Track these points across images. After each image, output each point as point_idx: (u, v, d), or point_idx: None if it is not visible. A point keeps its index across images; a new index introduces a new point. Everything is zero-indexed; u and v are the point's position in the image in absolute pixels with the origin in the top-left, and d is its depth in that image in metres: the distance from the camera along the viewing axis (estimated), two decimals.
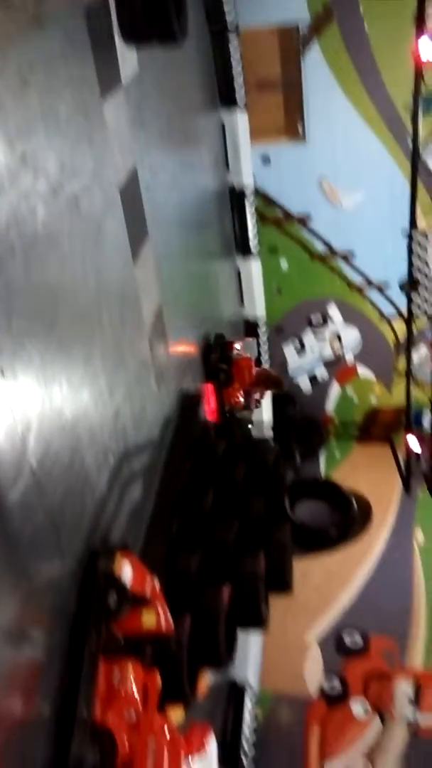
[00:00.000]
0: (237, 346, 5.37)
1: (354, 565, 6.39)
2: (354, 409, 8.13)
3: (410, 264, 5.53)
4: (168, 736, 2.67)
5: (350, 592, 6.29)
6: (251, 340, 6.33)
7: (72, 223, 2.89)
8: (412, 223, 5.56)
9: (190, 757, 2.88)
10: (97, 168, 3.18)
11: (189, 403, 4.43)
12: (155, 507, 3.76)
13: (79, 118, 3.01)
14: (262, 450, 4.54)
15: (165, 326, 4.30)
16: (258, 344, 7.04)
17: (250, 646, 5.45)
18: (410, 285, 5.36)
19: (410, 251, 5.49)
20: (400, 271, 6.89)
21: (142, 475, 3.67)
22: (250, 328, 7.50)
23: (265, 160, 7.35)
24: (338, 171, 7.39)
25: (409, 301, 5.68)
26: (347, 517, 4.06)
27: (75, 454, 2.86)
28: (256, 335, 7.47)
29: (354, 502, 4.16)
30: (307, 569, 5.93)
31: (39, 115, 2.62)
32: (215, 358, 4.95)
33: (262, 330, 7.56)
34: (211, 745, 3.19)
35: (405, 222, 5.76)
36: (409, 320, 5.87)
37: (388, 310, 8.14)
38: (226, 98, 6.18)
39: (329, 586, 6.24)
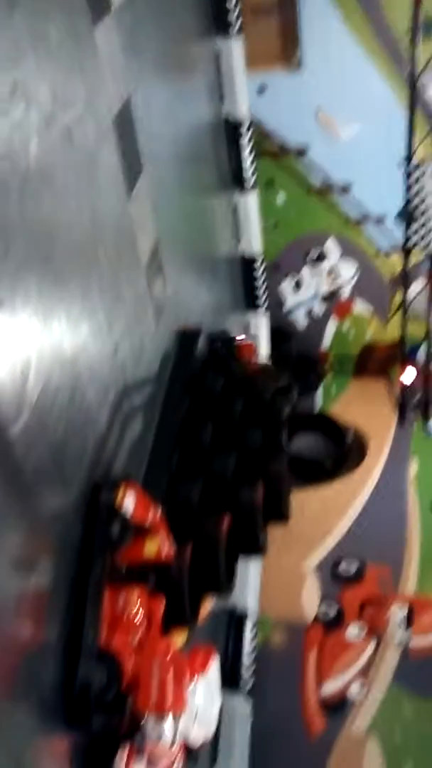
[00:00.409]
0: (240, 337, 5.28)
1: (350, 496, 6.53)
2: (350, 345, 8.15)
3: (407, 196, 5.46)
4: (172, 658, 2.79)
5: (346, 522, 6.45)
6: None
7: (66, 156, 2.84)
8: (410, 153, 5.47)
9: (193, 677, 3.02)
10: (89, 98, 3.10)
11: (187, 340, 4.44)
12: (155, 441, 3.82)
13: (70, 45, 2.92)
14: (260, 385, 4.58)
15: (162, 262, 4.27)
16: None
17: (250, 575, 5.62)
18: (407, 217, 5.31)
19: (407, 182, 5.42)
20: (398, 204, 6.81)
21: (142, 410, 3.72)
22: (246, 266, 7.44)
23: (261, 90, 7.16)
24: (335, 101, 7.21)
25: (406, 233, 5.64)
26: (343, 449, 4.13)
27: (75, 390, 2.89)
28: (252, 276, 7.42)
29: (349, 434, 4.22)
30: (303, 500, 6.03)
31: (28, 39, 2.54)
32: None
33: (259, 267, 7.51)
34: (214, 667, 3.34)
35: (403, 153, 5.67)
36: (405, 254, 5.84)
37: (385, 244, 8.07)
38: (221, 24, 5.97)
39: (325, 516, 6.39)
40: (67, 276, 2.88)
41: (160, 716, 2.73)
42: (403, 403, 5.91)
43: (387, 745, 5.13)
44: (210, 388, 4.31)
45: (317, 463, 4.16)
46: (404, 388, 5.89)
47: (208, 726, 3.23)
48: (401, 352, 5.92)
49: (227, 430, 4.10)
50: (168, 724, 2.76)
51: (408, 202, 5.77)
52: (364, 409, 7.35)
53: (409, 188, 5.53)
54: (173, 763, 2.92)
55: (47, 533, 2.64)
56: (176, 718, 2.83)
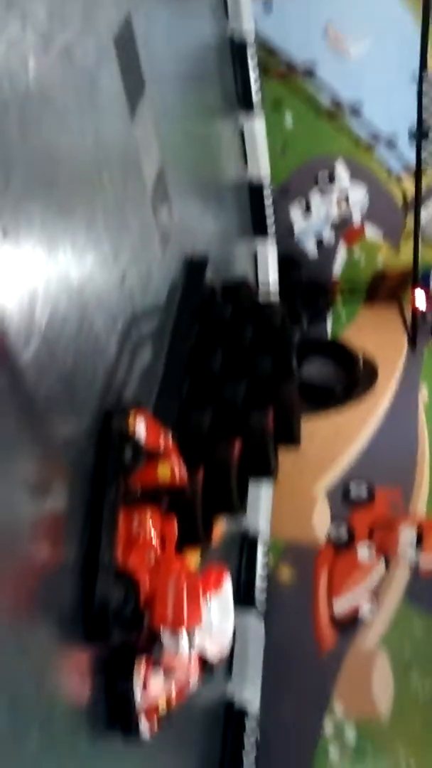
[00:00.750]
0: None
1: (360, 422, 6.57)
2: (361, 272, 8.04)
3: (420, 111, 5.28)
4: (186, 576, 2.89)
5: (357, 446, 6.51)
6: None
7: (65, 77, 2.77)
8: (423, 64, 5.25)
9: (207, 594, 3.12)
10: (88, 14, 2.99)
11: (195, 268, 4.40)
12: (165, 369, 3.84)
13: None
14: (269, 312, 4.56)
15: (167, 189, 4.20)
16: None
17: (261, 498, 5.73)
18: (419, 135, 5.15)
19: (420, 96, 5.22)
20: (410, 124, 6.60)
21: (151, 339, 3.73)
22: (253, 192, 7.30)
23: (267, 5, 6.86)
24: (345, 15, 6.89)
25: (419, 152, 5.48)
26: (353, 375, 4.13)
27: (83, 318, 2.89)
28: (261, 202, 7.27)
29: (360, 360, 4.22)
30: (314, 427, 6.10)
31: None
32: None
33: (267, 192, 7.36)
34: (227, 585, 3.44)
35: (415, 68, 5.45)
36: (417, 174, 5.69)
37: (396, 166, 7.86)
38: None
39: (336, 441, 6.45)
40: (71, 204, 2.84)
41: (176, 631, 2.84)
42: (414, 328, 5.86)
43: (396, 660, 5.32)
44: (219, 316, 4.30)
45: (327, 389, 4.17)
46: (416, 313, 5.82)
47: (223, 641, 3.35)
48: (413, 278, 5.83)
49: (237, 357, 4.11)
50: (184, 638, 2.87)
51: (421, 118, 5.56)
52: (374, 336, 7.31)
53: (422, 104, 5.31)
54: (189, 675, 3.05)
55: (61, 459, 2.69)
56: (191, 633, 2.95)
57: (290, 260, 7.82)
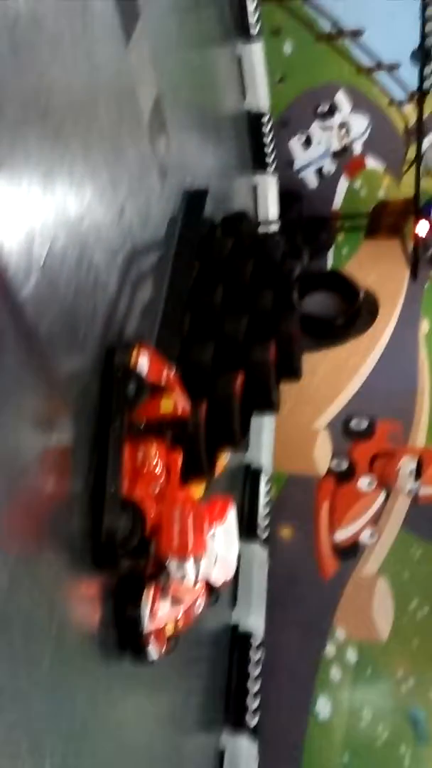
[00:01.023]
0: None
1: (361, 356, 6.60)
2: (362, 203, 7.92)
3: (423, 34, 5.10)
4: (191, 506, 2.95)
5: (358, 381, 6.56)
6: None
7: (57, 2, 2.67)
8: None
9: (212, 523, 3.20)
10: None
11: (194, 201, 4.34)
12: (166, 305, 3.83)
13: None
14: (270, 246, 4.52)
15: (164, 119, 4.10)
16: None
17: (264, 432, 5.80)
18: (422, 56, 4.98)
19: (424, 16, 5.03)
20: (413, 49, 6.40)
21: (151, 274, 3.71)
22: (253, 122, 7.12)
23: None
24: None
25: (422, 77, 5.32)
26: (354, 307, 4.12)
27: (83, 253, 2.87)
28: (260, 133, 7.10)
29: (361, 292, 4.20)
30: (315, 362, 6.13)
31: None
32: None
33: (266, 123, 7.19)
34: (231, 514, 3.52)
35: None
36: (420, 99, 5.54)
37: (398, 94, 7.66)
38: None
39: (337, 376, 6.49)
40: (66, 134, 2.78)
41: (183, 558, 2.92)
42: (416, 257, 5.79)
43: (396, 583, 5.48)
44: (220, 251, 4.27)
45: (329, 322, 4.15)
46: (417, 242, 5.74)
47: (228, 569, 3.45)
48: (415, 207, 5.73)
49: (238, 292, 4.09)
50: (190, 565, 2.95)
51: (424, 38, 5.35)
52: (376, 269, 7.25)
53: (426, 23, 5.09)
54: (196, 600, 3.15)
55: (66, 394, 2.71)
56: (197, 561, 3.03)
57: (291, 194, 7.69)
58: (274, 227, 6.32)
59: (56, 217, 2.64)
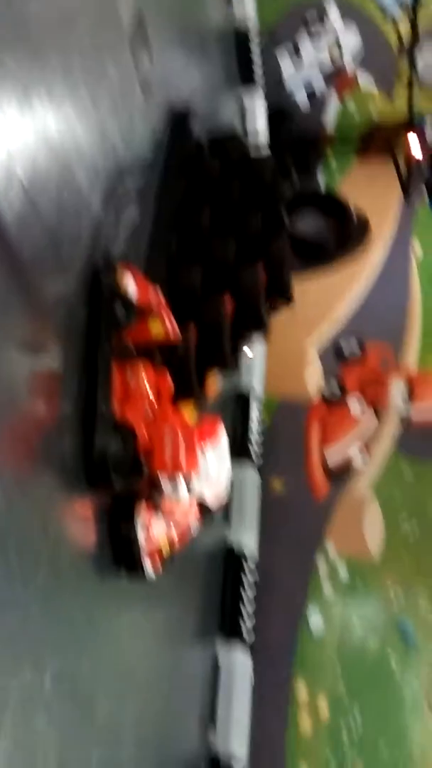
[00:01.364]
0: None
1: (352, 279, 6.54)
2: (354, 123, 7.71)
3: None
4: (182, 426, 2.98)
5: (348, 304, 6.52)
6: None
7: None
8: None
9: (203, 443, 3.23)
10: None
11: (180, 119, 4.23)
12: (153, 228, 3.77)
13: None
14: (259, 166, 4.42)
15: (147, 33, 3.95)
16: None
17: (255, 357, 5.81)
18: None
19: None
20: None
21: (136, 195, 3.63)
22: (239, 37, 6.86)
23: None
24: None
25: None
26: (345, 228, 4.06)
27: (65, 173, 2.81)
28: (247, 49, 6.85)
29: (352, 212, 4.13)
30: (306, 285, 6.07)
31: None
32: None
33: (254, 37, 6.93)
34: (223, 435, 3.55)
35: None
36: (414, 12, 5.33)
37: (392, 5, 7.37)
38: None
39: (328, 299, 6.45)
40: (44, 48, 2.69)
41: (175, 477, 2.97)
42: (409, 177, 5.66)
43: (386, 503, 5.60)
44: (207, 171, 4.18)
45: (319, 244, 4.11)
46: (410, 161, 5.61)
47: (220, 489, 3.50)
48: (408, 124, 5.58)
49: (227, 214, 4.02)
50: (182, 484, 3.00)
51: None
52: (367, 191, 7.12)
53: None
54: (190, 519, 3.22)
55: (52, 316, 2.69)
56: (189, 480, 3.08)
57: (280, 113, 7.48)
58: (264, 147, 6.17)
59: (36, 137, 2.58)
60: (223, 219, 3.98)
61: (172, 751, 3.74)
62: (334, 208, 4.25)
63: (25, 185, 2.45)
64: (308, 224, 4.33)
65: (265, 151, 6.03)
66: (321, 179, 7.41)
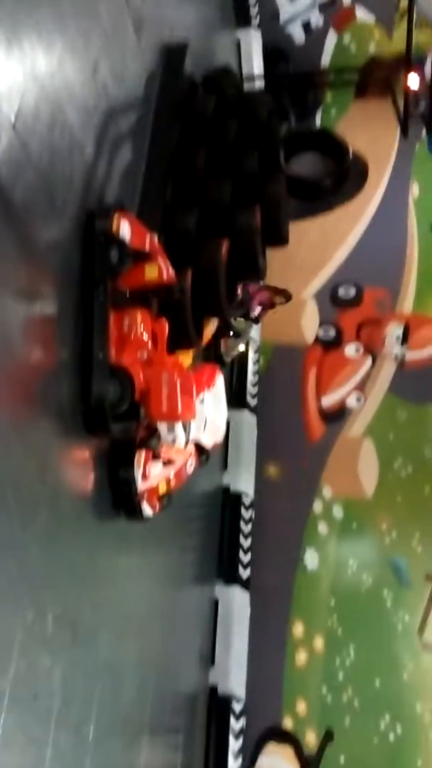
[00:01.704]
0: None
1: (349, 223, 6.46)
2: (352, 60, 7.49)
3: None
4: (179, 372, 2.98)
5: (345, 249, 6.45)
6: None
7: None
8: None
9: (200, 389, 3.25)
10: None
11: (173, 56, 4.10)
12: (147, 170, 3.70)
13: None
14: (255, 104, 4.31)
15: None
16: None
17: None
18: None
19: None
20: None
21: (130, 136, 3.55)
22: None
23: None
24: None
25: None
26: (343, 167, 3.98)
27: (56, 112, 2.74)
28: None
29: (350, 150, 4.04)
30: (303, 230, 6.00)
31: None
32: None
33: None
34: (220, 381, 3.57)
35: None
36: None
37: None
38: None
39: (325, 244, 6.38)
40: None
41: (172, 422, 2.99)
42: (407, 113, 5.48)
43: (381, 444, 5.66)
44: (202, 110, 4.08)
45: (317, 184, 4.03)
46: (408, 96, 5.44)
47: (217, 432, 3.54)
48: (407, 59, 5.40)
49: (222, 155, 3.95)
50: (179, 429, 3.03)
51: None
52: (365, 132, 6.97)
53: None
54: (187, 461, 3.26)
55: (46, 262, 2.67)
56: (186, 425, 3.11)
57: (276, 51, 7.25)
58: (259, 85, 6.00)
59: (26, 75, 2.51)
60: (219, 160, 3.91)
61: (173, 685, 3.87)
62: (332, 148, 4.16)
63: (15, 124, 2.40)
64: (305, 165, 4.25)
65: (262, 89, 5.88)
66: (318, 119, 7.25)
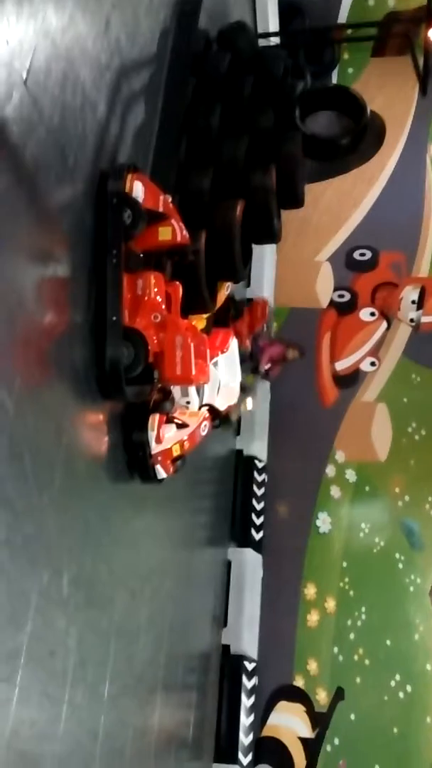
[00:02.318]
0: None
1: (365, 186, 6.36)
2: (370, 14, 7.29)
3: None
4: (193, 335, 2.96)
5: (361, 212, 6.36)
6: None
7: None
8: None
9: (214, 352, 3.23)
10: None
11: (187, 11, 3.99)
12: (161, 129, 3.63)
13: None
14: (270, 61, 4.19)
15: None
16: None
17: (265, 266, 5.73)
18: None
19: None
20: None
21: (143, 94, 3.48)
22: None
23: None
24: None
25: None
26: (359, 124, 3.88)
27: (67, 69, 2.68)
28: None
29: (367, 107, 3.94)
30: (319, 193, 5.92)
31: None
32: None
33: None
34: (234, 345, 3.55)
35: None
36: None
37: None
38: None
39: (340, 207, 6.29)
40: None
41: (186, 386, 2.98)
42: (426, 68, 5.30)
43: (394, 408, 5.64)
44: (216, 67, 3.98)
45: (333, 140, 3.92)
46: (429, 51, 5.25)
47: (231, 395, 3.53)
48: (428, 13, 5.22)
49: (237, 113, 3.86)
50: (193, 392, 3.02)
51: None
52: (383, 91, 6.83)
53: None
54: (201, 424, 3.26)
55: (58, 223, 2.63)
56: (200, 388, 3.10)
57: (292, 6, 7.06)
58: (275, 41, 5.85)
59: (36, 31, 2.44)
60: (234, 118, 3.82)
61: (186, 645, 3.93)
62: (349, 105, 4.04)
63: (26, 79, 2.35)
64: (321, 124, 4.14)
65: (277, 44, 5.73)
66: (335, 78, 7.08)
